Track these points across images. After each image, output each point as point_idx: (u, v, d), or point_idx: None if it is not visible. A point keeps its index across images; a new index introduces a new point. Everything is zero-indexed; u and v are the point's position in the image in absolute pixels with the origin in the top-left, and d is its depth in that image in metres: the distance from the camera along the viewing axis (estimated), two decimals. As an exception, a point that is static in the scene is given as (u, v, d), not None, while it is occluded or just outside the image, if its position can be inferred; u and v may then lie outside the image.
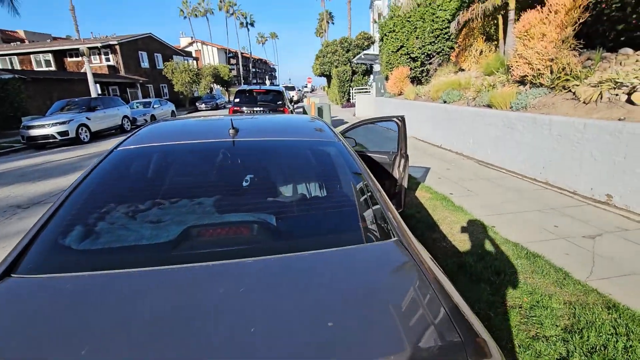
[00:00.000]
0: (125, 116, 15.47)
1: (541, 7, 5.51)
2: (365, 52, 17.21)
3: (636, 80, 4.29)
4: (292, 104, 19.81)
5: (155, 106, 19.37)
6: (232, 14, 68.20)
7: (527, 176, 5.22)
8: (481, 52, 8.57)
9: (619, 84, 4.40)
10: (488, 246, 3.03)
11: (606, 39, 5.86)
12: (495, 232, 3.32)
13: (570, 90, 5.12)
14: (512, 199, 4.29)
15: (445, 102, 7.87)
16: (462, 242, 3.12)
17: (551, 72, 5.32)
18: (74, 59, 27.33)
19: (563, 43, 5.18)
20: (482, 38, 8.61)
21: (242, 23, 71.76)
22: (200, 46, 61.49)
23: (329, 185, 1.78)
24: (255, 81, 75.92)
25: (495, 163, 5.99)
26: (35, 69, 26.70)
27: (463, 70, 9.19)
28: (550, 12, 5.27)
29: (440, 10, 10.92)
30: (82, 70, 23.78)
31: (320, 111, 11.80)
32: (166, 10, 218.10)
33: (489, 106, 6.28)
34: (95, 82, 22.86)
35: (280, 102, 9.92)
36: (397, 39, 12.36)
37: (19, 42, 33.35)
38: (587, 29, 5.92)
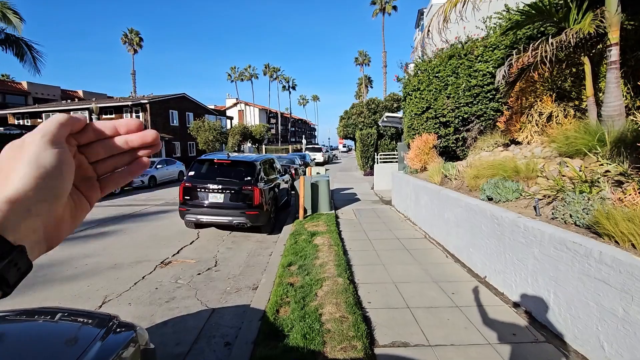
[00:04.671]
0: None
1: None
2: (388, 114, 14.54)
3: None
4: (307, 167, 17.09)
5: (158, 166, 17.84)
6: (275, 78, 72.32)
7: None
8: (550, 116, 5.29)
9: None
10: None
11: None
12: None
13: None
14: None
15: (490, 198, 4.51)
16: None
17: None
18: (106, 116, 28.11)
19: None
20: (551, 95, 5.39)
21: (284, 86, 75.47)
22: (243, 106, 64.98)
23: None
24: (293, 139, 77.13)
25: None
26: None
27: (517, 143, 5.89)
28: None
29: (480, 62, 8.02)
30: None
31: (314, 188, 8.83)
32: (216, 74, 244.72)
33: (596, 232, 2.85)
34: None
35: (248, 179, 7.13)
36: (423, 98, 9.50)
37: (76, 100, 36.20)
38: None
